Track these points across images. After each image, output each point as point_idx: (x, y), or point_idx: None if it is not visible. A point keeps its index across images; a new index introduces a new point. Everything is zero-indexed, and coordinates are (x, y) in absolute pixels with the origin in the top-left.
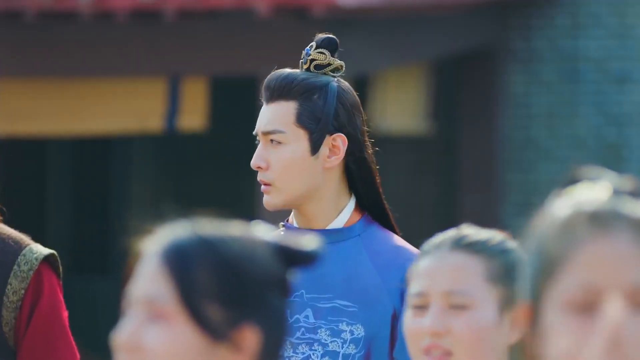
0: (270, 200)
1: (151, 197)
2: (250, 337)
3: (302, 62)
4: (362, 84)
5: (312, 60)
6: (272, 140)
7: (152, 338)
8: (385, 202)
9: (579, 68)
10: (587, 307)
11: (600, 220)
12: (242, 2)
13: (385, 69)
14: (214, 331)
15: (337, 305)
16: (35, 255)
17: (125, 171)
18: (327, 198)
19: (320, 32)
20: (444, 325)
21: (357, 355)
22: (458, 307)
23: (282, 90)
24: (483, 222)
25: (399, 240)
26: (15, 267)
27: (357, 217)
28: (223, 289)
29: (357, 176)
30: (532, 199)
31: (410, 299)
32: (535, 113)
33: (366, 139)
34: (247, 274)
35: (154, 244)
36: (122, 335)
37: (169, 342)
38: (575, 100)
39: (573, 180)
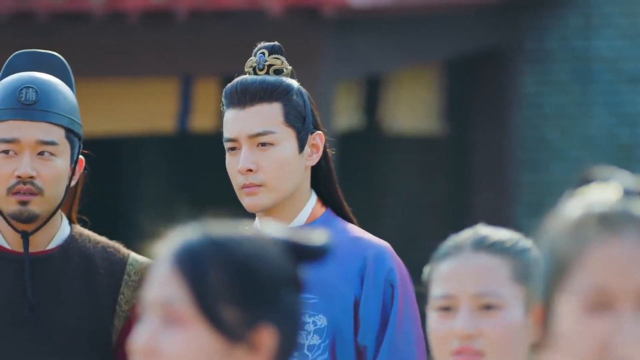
0: (258, 201)
1: (163, 198)
2: (266, 337)
3: (256, 67)
4: (373, 85)
5: (270, 65)
6: (260, 143)
7: (169, 342)
8: (343, 197)
9: (591, 68)
10: (600, 308)
11: (610, 221)
12: (253, 2)
13: (397, 69)
14: (231, 333)
15: None
16: (143, 265)
17: (137, 172)
18: (300, 196)
19: (330, 32)
20: (475, 327)
21: (322, 344)
22: (488, 308)
23: (265, 93)
24: (495, 222)
25: (358, 231)
26: (125, 276)
27: (319, 213)
28: (237, 289)
29: (322, 174)
30: (545, 200)
31: (435, 302)
32: (548, 113)
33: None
34: (260, 273)
35: (166, 248)
36: (139, 341)
37: (186, 346)
38: (587, 101)
39: (585, 181)
